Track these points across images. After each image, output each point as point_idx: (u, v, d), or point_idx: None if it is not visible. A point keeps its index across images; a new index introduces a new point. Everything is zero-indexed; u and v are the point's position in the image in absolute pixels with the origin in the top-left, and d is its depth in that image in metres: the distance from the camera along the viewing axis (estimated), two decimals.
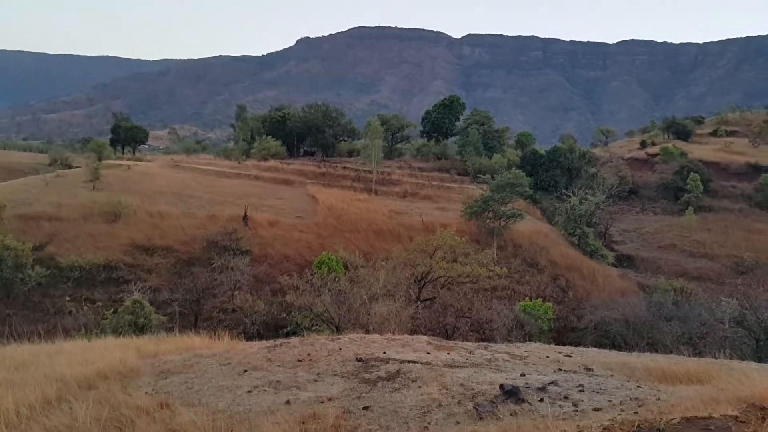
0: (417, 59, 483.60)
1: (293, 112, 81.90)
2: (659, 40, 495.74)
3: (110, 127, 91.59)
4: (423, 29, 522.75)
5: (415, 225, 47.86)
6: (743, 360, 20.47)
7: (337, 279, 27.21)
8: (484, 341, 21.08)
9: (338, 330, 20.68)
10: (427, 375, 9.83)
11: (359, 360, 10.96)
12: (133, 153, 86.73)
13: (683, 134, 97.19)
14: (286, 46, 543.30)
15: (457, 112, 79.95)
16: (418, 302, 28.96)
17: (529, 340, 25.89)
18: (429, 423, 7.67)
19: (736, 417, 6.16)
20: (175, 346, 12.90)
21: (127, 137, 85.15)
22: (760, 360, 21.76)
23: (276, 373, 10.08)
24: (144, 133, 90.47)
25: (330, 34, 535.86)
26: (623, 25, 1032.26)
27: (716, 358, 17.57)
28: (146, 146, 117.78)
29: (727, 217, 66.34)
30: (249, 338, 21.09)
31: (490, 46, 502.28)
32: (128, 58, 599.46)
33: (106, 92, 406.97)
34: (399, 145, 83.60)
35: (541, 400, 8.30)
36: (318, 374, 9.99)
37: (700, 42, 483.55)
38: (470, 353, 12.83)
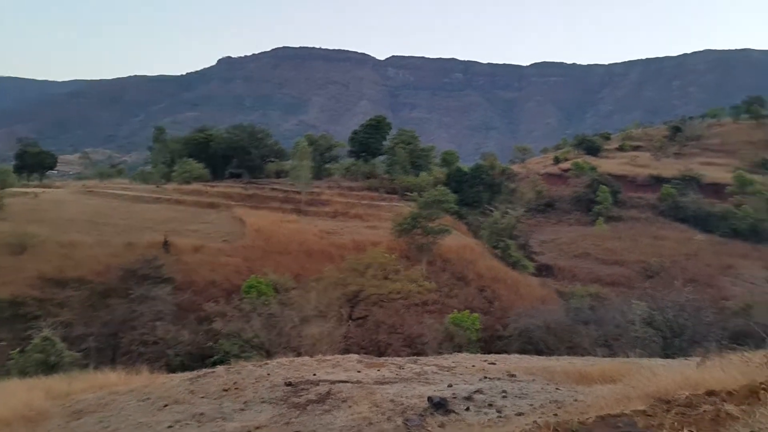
0: (343, 80, 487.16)
1: (217, 134, 79.93)
2: (569, 62, 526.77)
3: (14, 153, 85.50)
4: (348, 50, 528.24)
5: (346, 244, 47.76)
6: (652, 357, 21.92)
7: (267, 303, 26.63)
8: (416, 356, 21.35)
9: (269, 355, 20.20)
10: (358, 394, 9.81)
11: (288, 384, 10.77)
12: (41, 180, 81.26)
13: (593, 150, 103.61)
14: (207, 66, 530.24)
15: (384, 132, 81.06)
16: (350, 321, 28.84)
17: (459, 351, 26.51)
18: None
19: (645, 411, 6.58)
20: (90, 384, 12.17)
21: (34, 163, 79.77)
22: (666, 356, 23.35)
23: (199, 405, 9.71)
24: (52, 158, 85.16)
25: (253, 54, 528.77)
26: (536, 48, 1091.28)
27: (628, 358, 18.71)
28: (55, 172, 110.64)
29: (635, 225, 71.10)
30: (172, 371, 20.19)
31: (414, 68, 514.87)
32: (34, 79, 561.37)
33: (10, 116, 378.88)
34: (328, 165, 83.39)
35: (467, 408, 8.52)
36: (245, 403, 9.73)
37: (606, 63, 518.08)
38: (400, 368, 12.93)
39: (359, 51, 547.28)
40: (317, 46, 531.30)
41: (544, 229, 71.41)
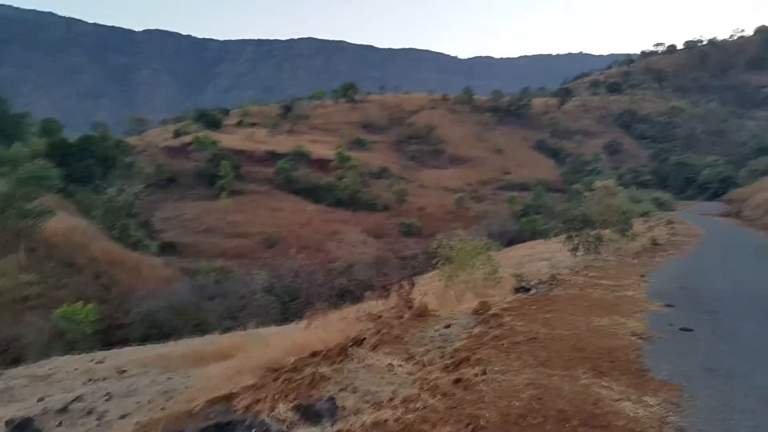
0: None
1: None
2: (184, 33, 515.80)
3: None
4: None
5: None
6: (273, 324, 23.86)
7: None
8: (13, 363, 17.81)
9: None
10: None
11: None
12: None
13: (213, 124, 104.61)
14: None
15: None
16: None
17: (73, 348, 23.41)
18: None
19: (254, 385, 6.78)
20: None
21: None
22: (285, 320, 25.83)
23: None
24: None
25: None
26: (148, 13, 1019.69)
27: (245, 330, 19.79)
28: None
29: (256, 199, 75.58)
30: None
31: None
32: None
33: None
34: None
35: (60, 424, 7.34)
36: None
37: (222, 39, 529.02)
38: None
39: None
40: None
41: (167, 206, 68.81)
